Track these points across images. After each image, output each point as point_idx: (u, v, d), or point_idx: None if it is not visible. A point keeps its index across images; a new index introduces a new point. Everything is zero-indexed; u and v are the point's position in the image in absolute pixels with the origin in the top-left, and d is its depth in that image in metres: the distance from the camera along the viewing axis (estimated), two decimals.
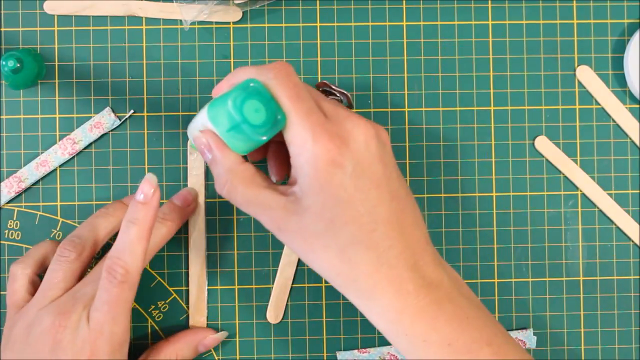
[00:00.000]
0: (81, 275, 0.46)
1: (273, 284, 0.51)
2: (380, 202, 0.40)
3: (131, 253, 0.43)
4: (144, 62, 0.51)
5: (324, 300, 0.51)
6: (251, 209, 0.42)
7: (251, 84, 0.41)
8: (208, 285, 0.51)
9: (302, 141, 0.40)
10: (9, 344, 0.44)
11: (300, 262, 0.51)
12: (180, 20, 0.51)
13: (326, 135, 0.40)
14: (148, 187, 0.43)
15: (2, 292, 0.51)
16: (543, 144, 0.51)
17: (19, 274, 0.46)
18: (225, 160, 0.42)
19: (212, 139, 0.42)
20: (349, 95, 0.47)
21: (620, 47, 0.52)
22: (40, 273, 0.47)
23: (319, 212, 0.40)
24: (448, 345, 0.40)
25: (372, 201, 0.40)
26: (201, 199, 0.51)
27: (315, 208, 0.40)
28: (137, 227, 0.43)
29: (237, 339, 0.51)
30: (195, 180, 0.51)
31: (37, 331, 0.43)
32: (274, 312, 0.51)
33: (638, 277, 0.52)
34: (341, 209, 0.40)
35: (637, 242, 0.51)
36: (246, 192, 0.42)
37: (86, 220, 0.48)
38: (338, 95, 0.47)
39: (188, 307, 0.51)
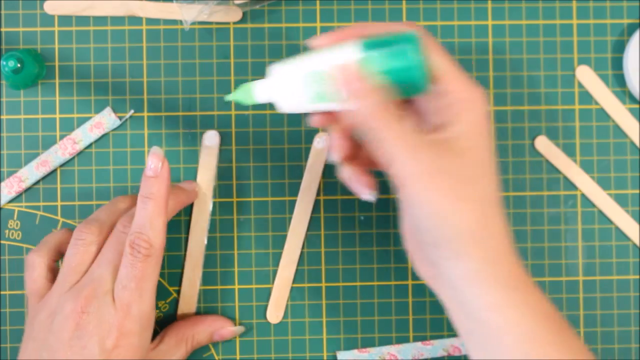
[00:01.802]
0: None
1: (273, 283, 0.51)
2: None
3: (152, 227, 0.43)
4: (144, 62, 0.51)
5: (324, 300, 0.51)
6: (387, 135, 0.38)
7: (415, 35, 0.39)
8: (208, 285, 0.51)
9: (466, 89, 0.40)
10: (33, 333, 0.44)
11: (300, 262, 0.51)
12: (180, 21, 0.51)
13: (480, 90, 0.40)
14: (156, 161, 0.44)
15: (1, 292, 0.51)
16: (543, 144, 0.51)
17: (37, 263, 0.46)
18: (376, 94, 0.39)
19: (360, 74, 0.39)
20: None
21: (620, 47, 0.52)
22: (57, 260, 0.47)
23: (479, 156, 0.39)
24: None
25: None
26: (208, 196, 0.51)
27: (476, 151, 0.39)
28: (154, 201, 0.44)
29: (237, 339, 0.51)
30: (205, 175, 0.51)
31: (60, 318, 0.42)
32: (274, 312, 0.51)
33: (637, 277, 0.52)
34: (491, 159, 0.40)
35: (637, 242, 0.52)
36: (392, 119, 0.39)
37: (104, 205, 0.48)
38: None
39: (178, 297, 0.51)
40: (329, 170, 0.51)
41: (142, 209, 0.44)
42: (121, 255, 0.43)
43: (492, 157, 0.40)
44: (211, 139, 0.51)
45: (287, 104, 0.41)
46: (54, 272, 0.46)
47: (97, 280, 0.43)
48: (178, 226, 0.51)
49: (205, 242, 0.51)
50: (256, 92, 0.42)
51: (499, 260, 0.39)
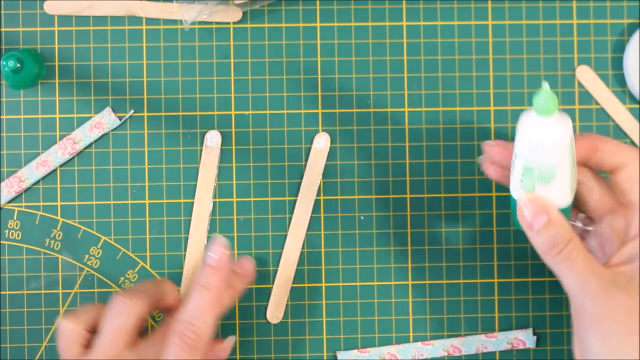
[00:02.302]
0: (138, 333, 0.45)
1: (273, 283, 0.51)
2: None
3: (203, 319, 0.42)
4: (144, 62, 0.51)
5: (324, 300, 0.51)
6: (570, 256, 0.41)
7: None
8: None
9: None
10: None
11: (300, 262, 0.51)
12: (180, 21, 0.51)
13: None
14: (220, 251, 0.43)
15: (1, 292, 0.51)
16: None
17: (70, 329, 0.44)
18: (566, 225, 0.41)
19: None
20: None
21: (620, 47, 0.52)
22: (91, 330, 0.45)
23: None
24: None
25: None
26: (209, 196, 0.51)
27: None
28: (210, 293, 0.43)
29: (237, 339, 0.51)
30: (207, 175, 0.51)
31: None
32: (275, 312, 0.51)
33: None
34: None
35: None
36: (584, 259, 0.41)
37: (149, 280, 0.47)
38: None
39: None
40: (328, 170, 0.51)
41: (195, 297, 0.43)
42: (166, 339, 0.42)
43: None
44: (213, 139, 0.51)
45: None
46: (87, 340, 0.45)
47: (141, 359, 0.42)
48: (178, 226, 0.51)
49: (205, 242, 0.51)
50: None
51: None
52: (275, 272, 0.51)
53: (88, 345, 0.44)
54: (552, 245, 0.41)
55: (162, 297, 0.46)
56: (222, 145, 0.51)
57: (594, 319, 0.40)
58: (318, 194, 0.51)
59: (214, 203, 0.51)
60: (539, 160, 0.40)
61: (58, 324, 0.45)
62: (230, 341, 0.48)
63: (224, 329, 0.51)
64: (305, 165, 0.51)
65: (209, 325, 0.43)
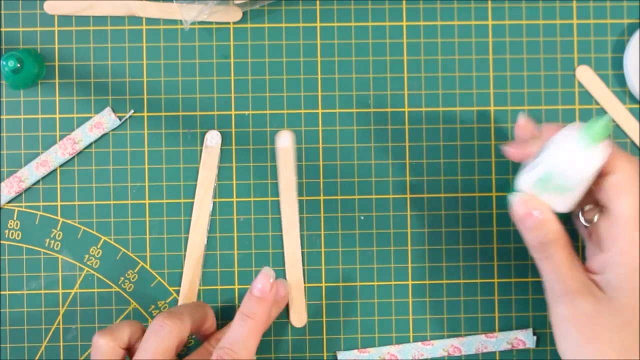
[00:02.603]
0: (176, 355, 0.45)
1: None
2: None
3: (245, 347, 0.43)
4: (144, 62, 0.51)
5: (324, 300, 0.51)
6: (553, 255, 0.43)
7: None
8: (208, 285, 0.51)
9: (634, 245, 0.41)
10: None
11: (304, 263, 0.51)
12: (180, 21, 0.51)
13: None
14: (266, 282, 0.45)
15: (1, 292, 0.51)
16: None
17: (104, 345, 0.44)
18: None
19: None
20: None
21: (620, 47, 0.52)
22: (125, 347, 0.45)
23: (624, 308, 0.41)
24: None
25: None
26: (209, 196, 0.51)
27: (622, 304, 0.41)
28: (254, 322, 0.44)
29: None
30: (207, 175, 0.51)
31: None
32: (296, 316, 0.51)
33: None
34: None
35: None
36: (563, 260, 0.43)
37: (190, 303, 0.48)
38: None
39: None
40: (328, 170, 0.51)
41: (239, 325, 0.44)
42: None
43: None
44: (213, 139, 0.51)
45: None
46: (123, 357, 0.45)
47: None
48: (178, 226, 0.51)
49: (205, 242, 0.51)
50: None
51: None
52: (275, 272, 0.51)
53: None
54: (538, 244, 0.43)
55: (202, 321, 0.47)
56: (222, 145, 0.51)
57: (560, 319, 0.42)
58: (318, 194, 0.51)
59: (214, 203, 0.51)
60: (563, 176, 0.41)
61: (93, 340, 0.45)
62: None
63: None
64: (305, 165, 0.51)
65: (249, 354, 0.44)
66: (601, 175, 0.42)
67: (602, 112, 0.52)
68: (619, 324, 0.41)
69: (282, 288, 0.48)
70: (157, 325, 0.44)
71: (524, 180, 0.43)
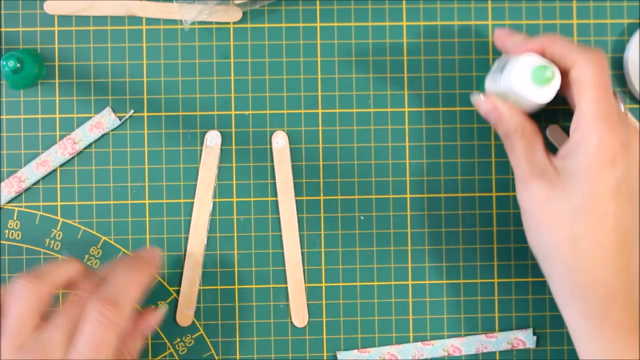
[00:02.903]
0: (42, 316, 0.41)
1: (272, 283, 0.51)
2: (633, 218, 0.42)
3: (127, 292, 0.41)
4: (144, 62, 0.51)
5: (324, 300, 0.51)
6: (513, 145, 0.45)
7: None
8: (208, 285, 0.51)
9: (591, 131, 0.42)
10: None
11: (304, 263, 0.51)
12: (180, 20, 0.51)
13: (615, 135, 0.42)
14: (157, 251, 0.47)
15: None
16: (555, 133, 0.51)
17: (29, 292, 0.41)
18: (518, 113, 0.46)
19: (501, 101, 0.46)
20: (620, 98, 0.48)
21: (620, 47, 0.52)
22: None
23: (574, 193, 0.42)
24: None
25: (625, 214, 0.42)
26: (209, 196, 0.51)
27: (573, 189, 0.42)
28: (138, 273, 0.43)
29: (237, 339, 0.51)
30: (207, 175, 0.51)
31: None
32: (297, 316, 0.51)
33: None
34: (594, 204, 0.42)
35: None
36: (523, 148, 0.45)
37: (55, 261, 0.46)
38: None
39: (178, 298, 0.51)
40: (328, 170, 0.51)
41: (122, 272, 0.42)
42: (77, 320, 0.40)
43: (593, 200, 0.42)
44: (213, 139, 0.51)
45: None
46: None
47: (47, 345, 0.39)
48: (178, 226, 0.51)
49: (205, 242, 0.51)
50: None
51: (578, 296, 0.43)
52: (275, 272, 0.51)
53: None
54: (503, 135, 0.46)
55: (68, 278, 0.43)
56: (222, 145, 0.51)
57: (520, 204, 0.45)
58: (318, 194, 0.51)
59: (214, 203, 0.51)
60: (518, 98, 0.45)
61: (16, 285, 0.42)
62: (163, 308, 0.48)
63: (224, 328, 0.51)
64: (305, 165, 0.51)
65: (133, 297, 0.41)
66: (564, 73, 0.44)
67: None
68: (568, 208, 0.42)
69: (154, 318, 0.47)
70: (16, 288, 0.41)
71: (488, 87, 0.48)
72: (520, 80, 0.45)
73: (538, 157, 0.45)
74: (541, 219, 0.43)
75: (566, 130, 0.51)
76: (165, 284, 0.51)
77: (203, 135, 0.51)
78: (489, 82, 0.48)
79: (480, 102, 0.47)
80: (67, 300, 0.42)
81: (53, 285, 0.42)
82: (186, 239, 0.51)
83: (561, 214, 0.42)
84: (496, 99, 0.46)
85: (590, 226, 0.42)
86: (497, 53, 0.52)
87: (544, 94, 0.45)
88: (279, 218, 0.51)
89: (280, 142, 0.51)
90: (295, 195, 0.51)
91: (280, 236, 0.51)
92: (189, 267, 0.51)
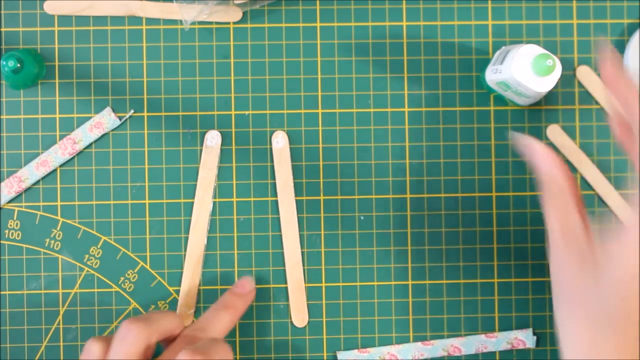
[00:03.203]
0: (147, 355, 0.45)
1: (272, 283, 0.51)
2: None
3: (216, 328, 0.46)
4: (144, 62, 0.51)
5: (324, 300, 0.51)
6: (558, 230, 0.41)
7: None
8: (208, 285, 0.51)
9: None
10: None
11: (304, 263, 0.51)
12: (180, 20, 0.51)
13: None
14: (249, 284, 0.49)
15: (1, 292, 0.51)
16: (555, 133, 0.51)
17: (94, 349, 0.44)
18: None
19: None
20: None
21: (620, 47, 0.52)
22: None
23: (606, 290, 0.39)
24: None
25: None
26: (209, 196, 0.51)
27: (606, 285, 0.39)
28: (232, 310, 0.47)
29: (237, 339, 0.51)
30: (207, 175, 0.51)
31: None
32: (297, 316, 0.51)
33: None
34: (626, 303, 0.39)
35: None
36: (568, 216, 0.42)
37: (158, 311, 0.48)
38: None
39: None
40: (328, 170, 0.51)
41: (213, 309, 0.47)
42: None
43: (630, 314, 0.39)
44: (213, 139, 0.51)
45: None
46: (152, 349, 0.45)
47: None
48: (178, 226, 0.51)
49: (205, 242, 0.51)
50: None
51: None
52: (274, 272, 0.51)
53: None
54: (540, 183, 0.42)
55: (170, 329, 0.46)
56: (222, 145, 0.51)
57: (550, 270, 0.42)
58: (318, 194, 0.51)
59: (214, 203, 0.51)
60: (520, 87, 0.46)
61: (88, 343, 0.44)
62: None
63: None
64: (305, 165, 0.51)
65: (219, 334, 0.45)
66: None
67: (602, 112, 0.52)
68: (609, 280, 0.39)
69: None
70: (124, 331, 0.43)
71: (489, 77, 0.49)
72: (521, 69, 0.45)
73: (572, 224, 0.41)
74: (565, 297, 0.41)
75: (566, 131, 0.52)
76: (165, 284, 0.51)
77: (203, 135, 0.51)
78: (490, 73, 0.49)
79: (521, 138, 0.43)
80: (167, 350, 0.45)
81: (160, 333, 0.44)
82: (186, 239, 0.51)
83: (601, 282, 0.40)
84: (537, 143, 0.43)
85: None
86: None
87: (545, 83, 0.46)
88: (279, 218, 0.51)
89: (280, 142, 0.51)
90: (295, 195, 0.51)
91: (280, 236, 0.51)
92: (189, 267, 0.51)
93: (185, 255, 0.51)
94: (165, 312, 0.47)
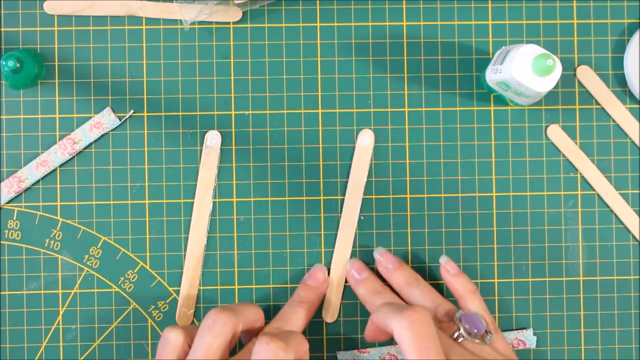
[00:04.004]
0: (229, 351, 0.45)
1: (271, 283, 0.51)
2: None
3: (294, 324, 0.47)
4: (144, 62, 0.51)
5: (357, 296, 0.51)
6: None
7: None
8: (208, 285, 0.51)
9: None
10: None
11: (300, 262, 0.51)
12: (180, 20, 0.51)
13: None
14: (320, 273, 0.50)
15: (1, 292, 0.51)
16: (556, 133, 0.51)
17: (173, 339, 0.45)
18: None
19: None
20: (483, 321, 0.46)
21: (620, 47, 0.52)
22: (190, 344, 0.45)
23: None
24: None
25: None
26: (209, 196, 0.51)
27: None
28: (306, 305, 0.48)
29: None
30: (206, 175, 0.51)
31: None
32: (327, 313, 0.51)
33: (638, 277, 0.52)
34: None
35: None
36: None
37: (242, 302, 0.49)
38: (469, 328, 0.45)
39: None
40: (328, 170, 0.51)
41: (288, 306, 0.48)
42: None
43: None
44: (212, 139, 0.51)
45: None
46: (186, 353, 0.45)
47: None
48: (178, 226, 0.51)
49: (205, 242, 0.51)
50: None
51: None
52: (274, 272, 0.51)
53: (184, 357, 0.44)
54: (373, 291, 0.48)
55: (254, 320, 0.46)
56: (222, 145, 0.51)
57: None
58: (318, 194, 0.51)
59: (214, 203, 0.51)
60: (520, 87, 0.46)
61: (165, 332, 0.45)
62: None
63: None
64: (304, 165, 0.51)
65: (297, 329, 0.47)
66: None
67: (602, 112, 0.52)
68: None
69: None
70: (211, 319, 0.44)
71: (489, 77, 0.49)
72: (521, 69, 0.45)
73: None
74: None
75: (566, 131, 0.52)
76: (165, 284, 0.51)
77: (203, 135, 0.51)
78: (490, 73, 0.49)
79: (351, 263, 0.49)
80: (247, 345, 0.46)
81: (245, 323, 0.45)
82: (186, 239, 0.51)
83: None
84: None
85: None
86: None
87: (545, 83, 0.46)
88: (278, 218, 0.51)
89: (366, 139, 0.51)
90: (296, 195, 0.51)
91: (281, 236, 0.51)
92: (189, 267, 0.51)
93: (185, 255, 0.51)
94: (249, 304, 0.47)
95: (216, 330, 0.43)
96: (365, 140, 0.51)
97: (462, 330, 0.45)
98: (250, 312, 0.46)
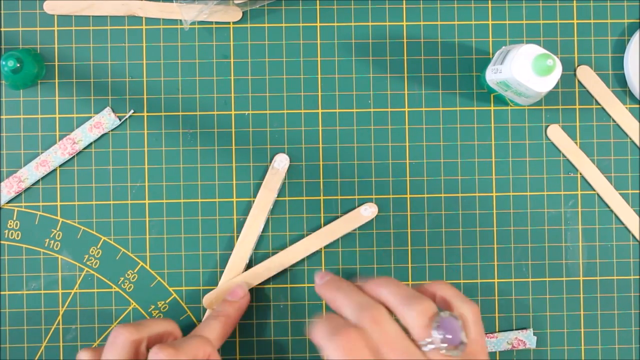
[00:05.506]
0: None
1: (272, 283, 0.51)
2: None
3: (210, 332, 0.46)
4: (144, 62, 0.51)
5: (324, 300, 0.51)
6: None
7: None
8: (208, 286, 0.51)
9: None
10: None
11: (300, 262, 0.51)
12: (180, 20, 0.51)
13: None
14: (240, 291, 0.49)
15: (1, 292, 0.51)
16: (556, 133, 0.51)
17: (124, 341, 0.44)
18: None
19: None
20: (461, 332, 0.40)
21: (620, 47, 0.52)
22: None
23: None
24: None
25: None
26: (263, 216, 0.51)
27: None
28: (223, 318, 0.47)
29: (237, 339, 0.51)
30: (267, 195, 0.51)
31: None
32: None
33: (638, 277, 0.52)
34: None
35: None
36: None
37: (157, 318, 0.48)
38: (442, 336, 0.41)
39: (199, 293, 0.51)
40: (328, 170, 0.51)
41: (209, 317, 0.48)
42: None
43: None
44: (281, 162, 0.51)
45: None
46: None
47: None
48: (178, 226, 0.51)
49: (247, 261, 0.51)
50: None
51: None
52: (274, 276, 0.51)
53: None
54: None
55: (163, 335, 0.46)
56: (220, 145, 0.51)
57: None
58: (318, 194, 0.51)
59: (214, 203, 0.51)
60: (520, 87, 0.46)
61: (78, 354, 0.45)
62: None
63: None
64: (304, 165, 0.51)
65: (213, 337, 0.46)
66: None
67: (602, 112, 0.52)
68: None
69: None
70: (113, 335, 0.44)
71: (489, 77, 0.49)
72: (521, 69, 0.46)
73: None
74: None
75: (566, 131, 0.52)
76: (165, 284, 0.51)
77: (202, 135, 0.51)
78: (490, 73, 0.49)
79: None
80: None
81: (150, 338, 0.45)
82: (185, 238, 0.51)
83: None
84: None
85: None
86: None
87: (545, 83, 0.46)
88: (278, 218, 0.51)
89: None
90: (296, 196, 0.51)
91: (281, 236, 0.51)
92: (226, 279, 0.50)
93: (185, 255, 0.51)
94: (159, 319, 0.47)
95: (119, 346, 0.44)
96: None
97: (431, 339, 0.39)
98: (159, 326, 0.46)
